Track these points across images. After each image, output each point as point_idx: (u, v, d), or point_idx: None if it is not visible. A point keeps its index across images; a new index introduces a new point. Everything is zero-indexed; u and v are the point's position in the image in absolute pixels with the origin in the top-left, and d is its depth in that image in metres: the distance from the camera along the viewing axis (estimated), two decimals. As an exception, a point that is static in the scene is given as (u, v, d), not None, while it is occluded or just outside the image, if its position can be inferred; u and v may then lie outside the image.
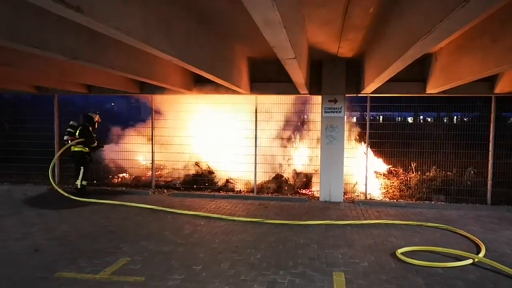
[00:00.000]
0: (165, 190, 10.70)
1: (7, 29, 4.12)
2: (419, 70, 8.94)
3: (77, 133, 9.74)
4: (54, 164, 9.88)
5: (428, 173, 10.29)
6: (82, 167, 9.74)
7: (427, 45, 4.19)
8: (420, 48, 4.32)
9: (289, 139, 11.62)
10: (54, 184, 9.68)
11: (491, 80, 8.79)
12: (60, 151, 9.81)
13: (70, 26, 4.95)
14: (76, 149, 9.75)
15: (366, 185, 9.99)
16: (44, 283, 4.73)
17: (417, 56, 4.79)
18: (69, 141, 9.75)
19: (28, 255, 5.67)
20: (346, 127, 10.00)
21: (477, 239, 6.45)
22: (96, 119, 10.06)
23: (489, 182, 9.41)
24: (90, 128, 9.91)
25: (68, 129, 9.88)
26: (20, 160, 11.48)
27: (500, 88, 8.64)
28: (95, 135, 10.12)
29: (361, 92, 9.29)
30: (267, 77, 9.88)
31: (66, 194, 9.39)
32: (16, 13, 4.21)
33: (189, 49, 5.48)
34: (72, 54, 5.13)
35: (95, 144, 10.04)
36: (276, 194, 10.40)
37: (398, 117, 13.92)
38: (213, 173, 11.39)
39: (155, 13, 4.37)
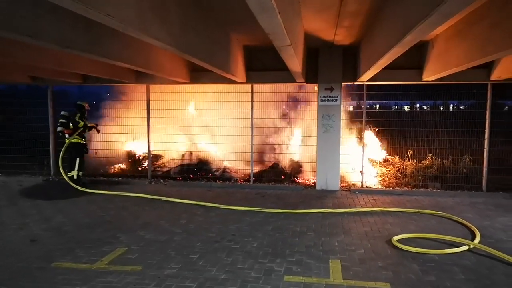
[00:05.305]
0: (162, 180, 10.68)
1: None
2: (416, 57, 8.89)
3: (71, 125, 9.65)
4: (63, 157, 9.74)
5: (424, 161, 10.32)
6: (78, 158, 9.69)
7: (425, 30, 4.14)
8: (418, 34, 4.27)
9: (286, 128, 11.60)
10: (65, 177, 9.55)
11: (488, 67, 8.76)
12: (66, 145, 9.64)
13: (64, 15, 4.85)
14: (73, 140, 9.67)
15: (362, 173, 10.01)
16: (42, 273, 4.73)
17: (415, 41, 4.75)
18: (65, 133, 9.65)
19: (25, 246, 5.66)
20: (343, 115, 9.98)
21: (473, 226, 6.49)
22: (86, 106, 9.98)
23: (485, 169, 9.45)
24: (78, 115, 9.73)
25: (60, 120, 9.69)
26: (15, 151, 11.39)
27: (497, 74, 8.62)
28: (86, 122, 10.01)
29: (358, 80, 9.25)
30: (263, 65, 9.80)
31: (77, 187, 9.33)
32: (9, 2, 4.12)
33: (185, 37, 5.38)
34: (66, 43, 5.04)
35: (90, 127, 10.02)
36: (273, 182, 10.41)
37: (395, 105, 13.92)
38: (210, 162, 11.37)
39: (150, -1, 4.27)
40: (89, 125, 10.02)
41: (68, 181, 9.48)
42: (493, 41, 5.13)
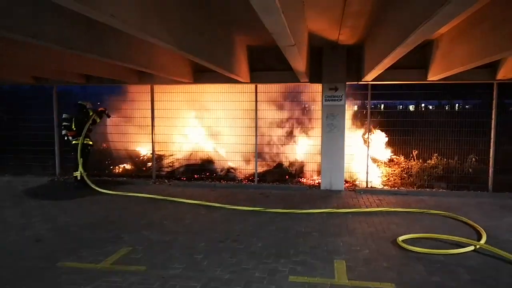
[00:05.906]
0: (166, 180, 10.70)
1: (0, 18, 4.05)
2: (420, 57, 8.84)
3: (73, 126, 9.67)
4: (77, 160, 9.76)
5: (429, 161, 10.26)
6: (81, 158, 9.71)
7: (429, 30, 4.11)
8: (422, 34, 4.24)
9: (290, 127, 11.58)
10: (86, 178, 9.60)
11: (493, 67, 8.69)
12: (79, 148, 9.64)
13: (66, 15, 4.86)
14: (77, 141, 9.69)
15: (367, 173, 9.97)
16: (47, 272, 4.74)
17: (419, 41, 4.72)
18: (69, 136, 9.72)
19: (30, 245, 5.68)
20: (347, 115, 9.94)
21: (479, 226, 6.44)
22: (88, 106, 9.98)
23: (491, 169, 9.36)
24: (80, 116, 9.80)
25: (64, 123, 9.77)
26: (20, 152, 11.44)
27: (503, 74, 8.54)
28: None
29: (362, 80, 9.21)
30: (266, 65, 9.78)
31: (95, 187, 9.38)
32: (10, 2, 4.13)
33: (188, 37, 5.38)
34: (68, 43, 5.06)
35: (99, 113, 10.07)
36: (277, 183, 10.39)
37: (400, 105, 13.88)
38: (214, 163, 11.37)
39: (152, -1, 4.27)
40: (99, 110, 10.06)
41: (88, 181, 9.52)
42: (495, 41, 5.09)
